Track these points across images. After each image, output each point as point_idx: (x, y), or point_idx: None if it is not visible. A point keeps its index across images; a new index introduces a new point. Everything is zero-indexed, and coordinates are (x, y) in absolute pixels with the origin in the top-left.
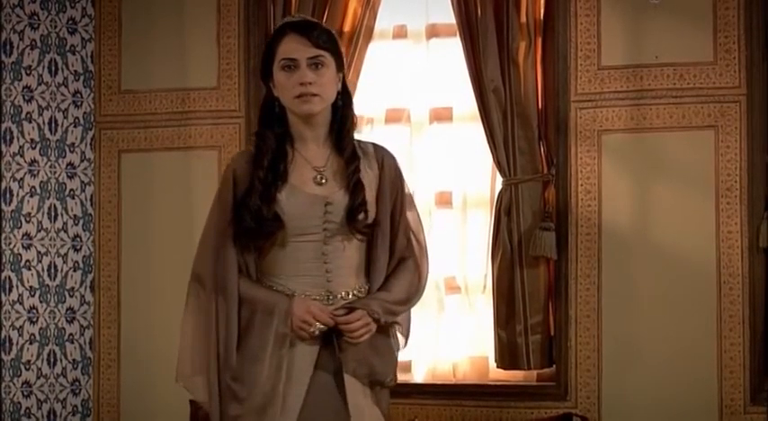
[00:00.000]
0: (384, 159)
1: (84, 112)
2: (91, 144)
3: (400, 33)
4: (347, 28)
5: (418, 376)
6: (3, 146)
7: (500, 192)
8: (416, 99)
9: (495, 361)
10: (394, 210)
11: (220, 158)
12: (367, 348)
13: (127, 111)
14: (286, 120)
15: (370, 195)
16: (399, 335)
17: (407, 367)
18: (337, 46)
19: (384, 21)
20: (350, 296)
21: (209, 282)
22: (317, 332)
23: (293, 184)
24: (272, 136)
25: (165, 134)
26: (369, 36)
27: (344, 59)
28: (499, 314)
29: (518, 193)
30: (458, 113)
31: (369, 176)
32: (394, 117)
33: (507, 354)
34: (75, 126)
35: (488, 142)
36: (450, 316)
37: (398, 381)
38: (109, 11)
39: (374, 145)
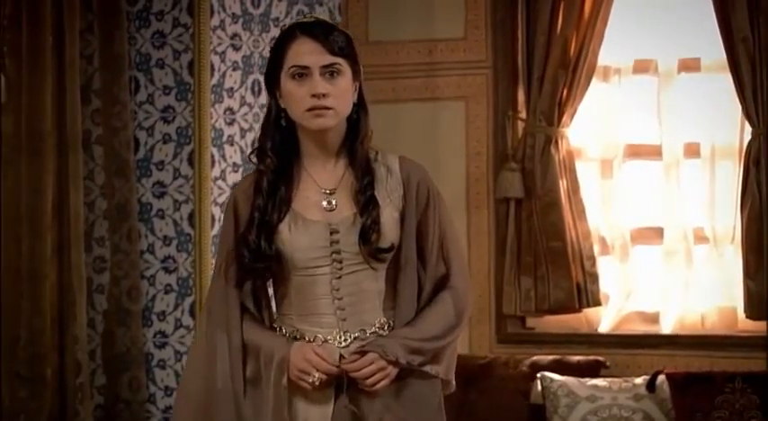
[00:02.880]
0: (410, 175)
1: None
2: None
3: None
4: None
5: (666, 327)
6: (252, 97)
7: (749, 143)
8: (664, 49)
9: (744, 311)
10: (423, 232)
11: (467, 109)
12: (391, 397)
13: (374, 63)
14: (294, 135)
15: (389, 216)
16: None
17: (655, 318)
18: (354, 52)
19: None
20: (367, 334)
21: (217, 323)
22: (317, 382)
23: (296, 211)
24: (273, 155)
25: (412, 85)
26: None
27: (361, 66)
28: (748, 264)
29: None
30: (706, 63)
31: (391, 195)
32: (642, 67)
33: (756, 305)
34: None
35: (737, 92)
36: (698, 266)
37: (644, 333)
38: None
39: (400, 158)
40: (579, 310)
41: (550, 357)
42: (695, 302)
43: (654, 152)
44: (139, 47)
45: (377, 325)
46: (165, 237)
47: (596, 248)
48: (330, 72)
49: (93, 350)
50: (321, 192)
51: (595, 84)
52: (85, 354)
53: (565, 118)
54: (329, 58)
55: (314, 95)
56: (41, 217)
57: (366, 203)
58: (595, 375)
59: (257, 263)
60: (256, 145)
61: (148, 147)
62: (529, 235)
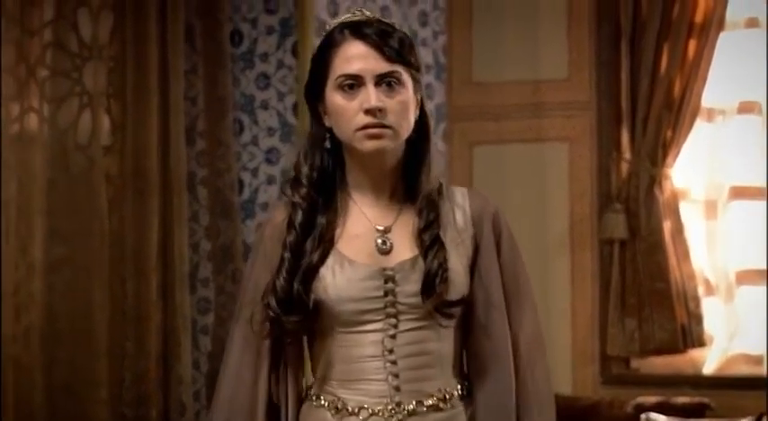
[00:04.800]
0: (483, 211)
1: (437, 104)
2: (443, 137)
3: (752, 23)
4: (698, 19)
5: None
6: None
7: None
8: None
9: None
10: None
11: (571, 150)
12: None
13: (478, 103)
14: (340, 160)
15: (457, 261)
16: None
17: (760, 360)
18: (417, 57)
19: (735, 11)
20: (424, 408)
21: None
22: None
23: (342, 253)
24: (311, 185)
25: (516, 126)
26: (720, 26)
27: (422, 74)
28: None
29: None
30: None
31: (461, 235)
32: (746, 108)
33: None
34: None
35: None
36: None
37: (749, 375)
38: (460, 3)
39: (469, 191)
40: (684, 351)
41: (655, 398)
42: None
43: (759, 193)
44: (243, 88)
45: (437, 396)
46: None
47: (701, 289)
48: (387, 82)
49: (197, 391)
50: (373, 229)
51: (699, 124)
52: (190, 396)
53: (669, 158)
54: (386, 66)
55: (368, 111)
56: (146, 258)
57: (431, 244)
58: (700, 417)
59: (288, 315)
60: (291, 173)
61: (253, 189)
62: (633, 276)
